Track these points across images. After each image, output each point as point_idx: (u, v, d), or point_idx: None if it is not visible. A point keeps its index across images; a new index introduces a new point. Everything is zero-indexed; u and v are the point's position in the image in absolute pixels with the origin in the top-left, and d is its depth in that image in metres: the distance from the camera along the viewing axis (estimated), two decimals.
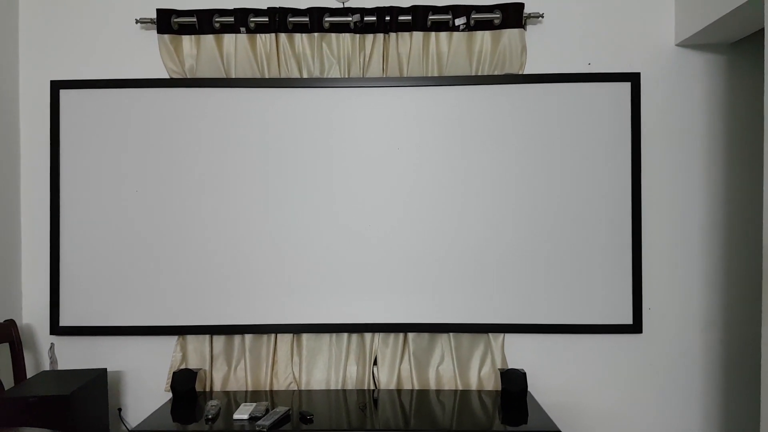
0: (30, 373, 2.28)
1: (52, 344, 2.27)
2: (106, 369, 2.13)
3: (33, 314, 2.31)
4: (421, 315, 2.20)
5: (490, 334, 2.22)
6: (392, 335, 2.23)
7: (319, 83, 2.18)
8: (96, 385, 2.06)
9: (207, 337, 2.25)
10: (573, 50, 2.22)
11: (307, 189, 2.21)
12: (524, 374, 2.07)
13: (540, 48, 2.22)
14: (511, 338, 2.24)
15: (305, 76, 2.20)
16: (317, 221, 2.21)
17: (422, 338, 2.23)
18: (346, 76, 2.19)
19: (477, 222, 2.19)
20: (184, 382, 2.11)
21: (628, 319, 2.21)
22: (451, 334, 2.22)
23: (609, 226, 2.19)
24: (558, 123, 2.19)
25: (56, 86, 2.21)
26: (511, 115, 2.19)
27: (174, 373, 2.14)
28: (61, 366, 2.29)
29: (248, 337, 2.24)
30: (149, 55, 2.23)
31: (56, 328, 2.25)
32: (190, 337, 2.25)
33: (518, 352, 2.24)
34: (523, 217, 2.19)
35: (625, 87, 2.19)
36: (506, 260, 2.19)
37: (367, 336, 2.23)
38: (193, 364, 2.25)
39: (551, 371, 2.24)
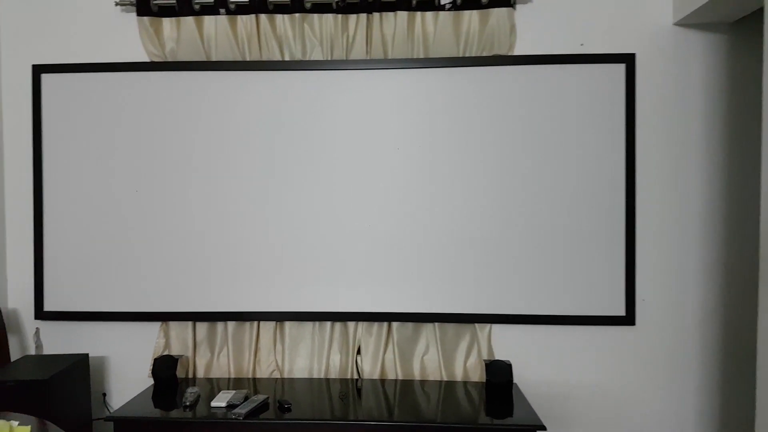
0: (15, 357, 2.29)
1: (38, 329, 2.28)
2: (87, 354, 2.12)
3: (19, 299, 2.31)
4: (406, 304, 2.15)
5: (476, 325, 2.17)
6: (376, 324, 2.19)
7: (301, 66, 2.12)
8: (77, 370, 2.06)
9: (190, 323, 2.23)
10: (565, 30, 2.13)
11: (289, 175, 2.16)
12: (509, 366, 2.02)
13: (530, 28, 2.13)
14: (498, 329, 2.18)
15: (287, 58, 2.15)
16: (301, 209, 2.16)
17: (406, 328, 2.19)
18: (329, 59, 2.13)
19: (464, 209, 2.13)
20: (164, 368, 2.10)
21: (620, 311, 2.13)
22: (436, 324, 2.17)
23: (602, 213, 2.12)
24: (549, 106, 2.11)
25: (38, 70, 2.19)
26: (500, 98, 2.11)
27: (155, 359, 2.12)
28: (47, 351, 2.29)
29: (231, 324, 2.21)
30: (130, 39, 2.19)
31: (40, 313, 2.25)
32: (173, 324, 2.24)
33: (505, 344, 2.18)
34: (511, 205, 2.12)
35: (620, 69, 2.10)
36: (495, 248, 2.13)
37: (351, 325, 2.19)
38: (176, 351, 2.24)
39: (539, 363, 2.18)
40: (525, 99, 2.11)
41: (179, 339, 2.24)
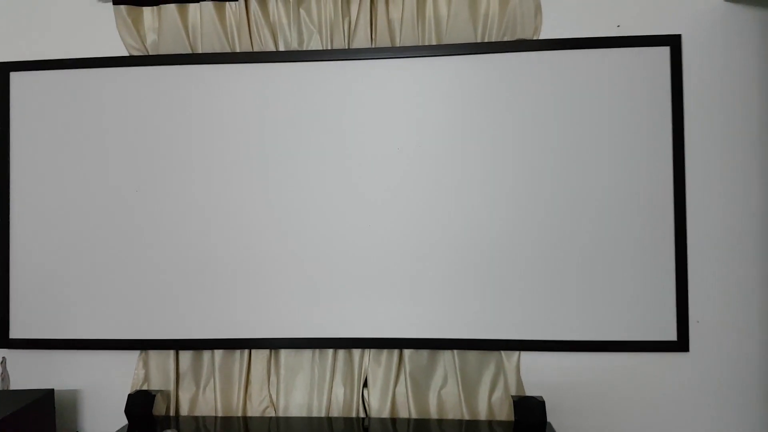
0: None
1: (4, 359, 2.01)
2: (53, 390, 1.85)
3: None
4: (420, 328, 1.85)
5: (502, 352, 1.86)
6: (385, 352, 1.89)
7: (298, 57, 1.87)
8: (39, 409, 1.78)
9: (172, 352, 1.95)
10: (598, 9, 1.86)
11: (284, 179, 1.89)
12: (542, 403, 1.70)
13: (558, 8, 1.86)
14: (528, 357, 1.87)
15: (281, 48, 1.90)
16: (296, 219, 1.89)
17: (421, 356, 1.88)
18: (329, 48, 1.88)
19: (486, 217, 1.84)
20: (139, 406, 1.81)
21: (671, 335, 1.81)
22: (455, 351, 1.86)
23: (647, 220, 1.81)
24: (582, 98, 1.82)
25: (6, 68, 1.97)
26: (524, 89, 1.83)
27: (129, 395, 1.84)
28: (14, 383, 2.03)
29: (218, 353, 1.93)
30: (107, 31, 1.96)
31: (5, 341, 1.98)
32: (152, 353, 1.96)
33: (537, 375, 1.86)
34: (541, 212, 1.83)
35: (663, 52, 1.82)
36: (523, 263, 1.83)
37: (356, 353, 1.89)
38: (156, 384, 1.95)
39: (577, 398, 1.85)
40: (553, 89, 1.83)
41: (160, 370, 1.95)
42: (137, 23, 1.93)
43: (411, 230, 1.86)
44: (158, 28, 1.92)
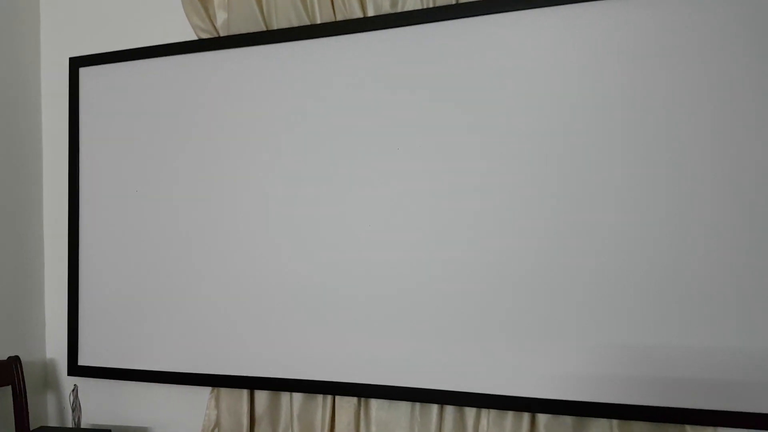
0: (50, 420, 1.87)
1: (76, 387, 1.81)
2: (110, 431, 1.59)
3: (58, 348, 1.89)
4: (560, 385, 1.32)
5: (688, 426, 1.26)
6: (510, 415, 1.38)
7: (391, 21, 1.45)
8: None
9: (245, 393, 1.62)
10: None
11: (377, 182, 1.48)
12: None
13: None
14: None
15: (371, 13, 1.50)
16: (398, 228, 1.46)
17: (563, 424, 1.35)
18: (430, 5, 1.44)
19: (676, 227, 1.26)
20: None
21: None
22: (614, 420, 1.30)
23: None
24: None
25: (75, 64, 1.79)
26: (731, 37, 1.24)
27: None
28: (85, 415, 1.83)
29: (297, 397, 1.56)
30: (175, 14, 1.71)
31: (74, 368, 1.79)
32: (224, 392, 1.64)
33: None
34: (754, 212, 1.22)
35: None
36: (724, 285, 1.22)
37: (470, 413, 1.42)
38: (227, 428, 1.63)
39: None
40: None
41: (231, 413, 1.63)
42: (205, 1, 1.64)
43: (551, 245, 1.33)
44: (228, 4, 1.61)
